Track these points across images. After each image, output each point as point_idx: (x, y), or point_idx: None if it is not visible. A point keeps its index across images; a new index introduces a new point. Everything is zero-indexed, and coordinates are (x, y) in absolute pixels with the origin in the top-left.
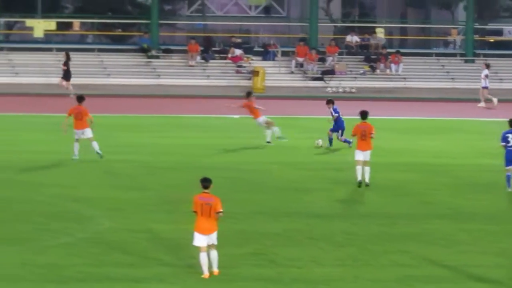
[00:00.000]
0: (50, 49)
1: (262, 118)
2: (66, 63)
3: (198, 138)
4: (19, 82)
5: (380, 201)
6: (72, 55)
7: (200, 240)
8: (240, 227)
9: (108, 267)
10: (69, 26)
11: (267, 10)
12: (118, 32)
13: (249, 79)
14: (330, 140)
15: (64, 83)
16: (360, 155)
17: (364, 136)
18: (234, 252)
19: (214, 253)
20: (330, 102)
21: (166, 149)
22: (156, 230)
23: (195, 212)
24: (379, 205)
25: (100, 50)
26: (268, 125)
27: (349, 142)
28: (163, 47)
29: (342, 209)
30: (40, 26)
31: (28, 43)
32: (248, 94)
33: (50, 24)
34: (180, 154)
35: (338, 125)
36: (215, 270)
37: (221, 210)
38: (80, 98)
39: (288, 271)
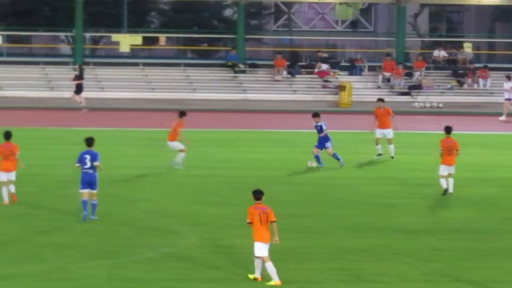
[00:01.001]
0: (136, 64)
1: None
2: (79, 77)
3: (284, 153)
4: (105, 97)
5: (468, 216)
6: (159, 69)
7: (262, 249)
8: (325, 242)
9: (193, 283)
10: (155, 40)
11: (354, 24)
12: (204, 47)
13: (336, 94)
14: (317, 158)
15: (77, 97)
16: (446, 170)
17: (450, 152)
18: (319, 267)
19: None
20: (316, 115)
21: (252, 164)
22: (241, 245)
23: (250, 223)
24: (466, 220)
25: (186, 65)
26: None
27: (339, 159)
28: (249, 61)
29: (429, 224)
30: (126, 41)
31: (114, 58)
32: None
33: (136, 39)
34: (266, 169)
35: (324, 141)
36: (278, 280)
37: (275, 220)
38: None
39: (373, 287)
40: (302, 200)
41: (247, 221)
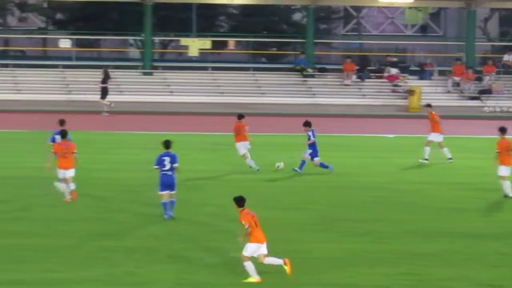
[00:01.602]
0: (205, 68)
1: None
2: (104, 81)
3: (353, 158)
4: (174, 101)
5: None
6: (227, 74)
7: (264, 249)
8: (394, 246)
9: (262, 287)
10: (224, 45)
11: (424, 29)
12: (273, 51)
13: (405, 98)
14: (303, 164)
15: (102, 101)
16: (506, 171)
17: (509, 151)
18: (387, 271)
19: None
20: (307, 124)
21: (320, 169)
22: (315, 249)
23: (247, 226)
24: None
25: (255, 69)
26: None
27: (326, 167)
28: (318, 66)
29: (496, 229)
30: (195, 45)
31: (183, 62)
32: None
33: (205, 43)
34: (335, 174)
35: (316, 150)
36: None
37: None
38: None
39: None
40: (369, 205)
41: (247, 225)
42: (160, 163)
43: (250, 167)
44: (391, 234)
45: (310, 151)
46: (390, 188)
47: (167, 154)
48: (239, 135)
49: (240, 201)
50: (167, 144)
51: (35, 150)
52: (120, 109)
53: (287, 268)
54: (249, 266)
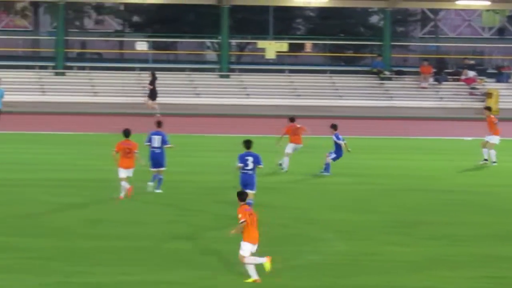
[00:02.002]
0: (281, 71)
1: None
2: (152, 83)
3: (430, 161)
4: (251, 104)
5: None
6: (304, 76)
7: (252, 249)
8: (475, 250)
9: None
10: (301, 47)
11: (501, 31)
12: (350, 53)
13: (482, 101)
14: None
15: (150, 102)
16: None
17: None
18: (471, 275)
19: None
20: (334, 127)
21: (398, 171)
22: (389, 252)
23: (243, 221)
24: None
25: (332, 71)
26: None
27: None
28: (395, 68)
29: None
30: (272, 47)
31: (260, 65)
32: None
33: (282, 46)
34: (411, 177)
35: (340, 154)
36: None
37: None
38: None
39: None
40: (445, 208)
41: (243, 220)
42: (243, 162)
43: (280, 165)
44: (469, 237)
45: (335, 155)
46: (467, 191)
47: (249, 154)
48: (295, 135)
49: (241, 195)
50: (247, 144)
51: (109, 152)
52: (197, 111)
53: (267, 266)
54: (250, 264)
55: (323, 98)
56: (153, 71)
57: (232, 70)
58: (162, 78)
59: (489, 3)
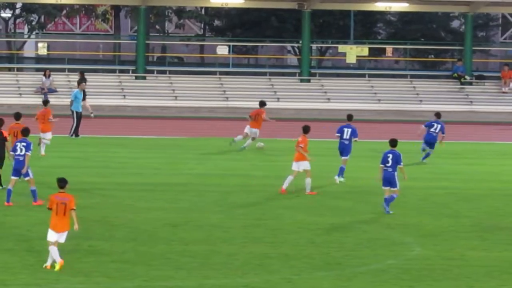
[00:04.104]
0: (362, 75)
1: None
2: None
3: (511, 165)
4: (331, 108)
5: None
6: (385, 81)
7: (52, 236)
8: None
9: None
10: (381, 52)
11: None
12: (431, 58)
13: None
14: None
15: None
16: None
17: None
18: None
19: (55, 249)
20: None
21: (480, 176)
22: (471, 257)
23: (50, 209)
24: None
25: (412, 76)
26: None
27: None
28: (476, 73)
29: None
30: (353, 51)
31: (340, 69)
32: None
33: (363, 50)
34: (493, 181)
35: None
36: (59, 262)
37: (75, 208)
38: None
39: None
40: None
41: (47, 207)
42: (385, 160)
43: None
44: None
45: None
46: None
47: (391, 152)
48: (256, 121)
49: (59, 182)
50: (393, 142)
51: (191, 156)
52: (279, 116)
53: (57, 266)
54: (52, 250)
55: (403, 102)
56: (81, 70)
57: (313, 75)
58: (243, 82)
59: None
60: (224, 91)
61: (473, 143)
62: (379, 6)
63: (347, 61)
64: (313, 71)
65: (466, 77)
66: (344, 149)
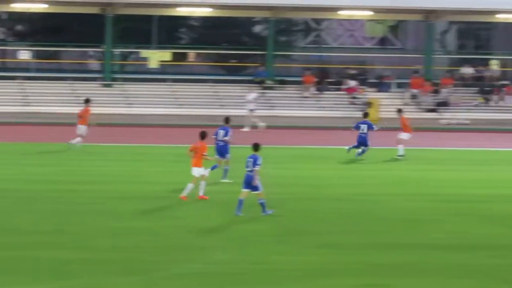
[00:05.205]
0: (164, 80)
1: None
2: None
3: (316, 170)
4: (134, 113)
5: (495, 232)
6: (187, 86)
7: None
8: (354, 258)
9: None
10: (184, 57)
11: (383, 41)
12: (234, 63)
13: (362, 111)
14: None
15: None
16: None
17: None
18: (347, 282)
19: None
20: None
21: (281, 180)
22: (274, 261)
23: None
24: (494, 236)
25: (215, 81)
26: None
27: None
28: (278, 78)
29: (456, 240)
30: (155, 56)
31: (143, 74)
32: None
33: (165, 55)
34: (294, 185)
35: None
36: None
37: None
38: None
39: None
40: (331, 216)
41: None
42: (247, 163)
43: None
44: (350, 245)
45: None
46: (349, 199)
47: (252, 156)
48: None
49: None
50: (256, 147)
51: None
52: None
53: None
54: None
55: (206, 107)
56: None
57: (115, 79)
58: (45, 88)
59: (371, 13)
60: (26, 96)
61: (274, 147)
62: (182, 11)
63: (149, 66)
64: (115, 76)
65: (268, 81)
66: (221, 150)
